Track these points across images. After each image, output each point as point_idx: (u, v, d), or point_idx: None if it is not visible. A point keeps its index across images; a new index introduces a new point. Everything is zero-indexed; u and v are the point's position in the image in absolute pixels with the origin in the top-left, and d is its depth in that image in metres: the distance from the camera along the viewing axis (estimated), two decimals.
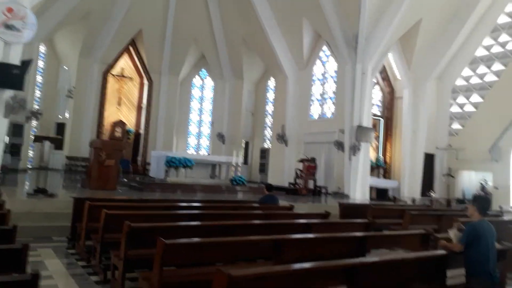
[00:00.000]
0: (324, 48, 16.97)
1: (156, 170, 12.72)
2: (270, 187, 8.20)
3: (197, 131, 22.22)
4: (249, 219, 5.82)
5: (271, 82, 20.46)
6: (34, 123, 17.01)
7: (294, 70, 17.77)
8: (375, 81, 16.12)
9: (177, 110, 20.81)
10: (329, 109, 16.91)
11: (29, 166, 16.48)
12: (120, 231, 4.13)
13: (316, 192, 14.35)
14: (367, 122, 14.37)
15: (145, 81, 20.35)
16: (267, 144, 20.24)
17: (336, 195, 14.56)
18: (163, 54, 19.66)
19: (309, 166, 14.56)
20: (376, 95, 16.79)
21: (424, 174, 16.00)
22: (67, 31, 17.52)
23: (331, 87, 16.92)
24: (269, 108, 20.63)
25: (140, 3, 17.43)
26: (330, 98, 16.92)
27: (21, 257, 2.70)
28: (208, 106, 22.23)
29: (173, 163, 12.05)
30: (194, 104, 22.28)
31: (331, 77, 16.96)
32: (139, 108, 20.51)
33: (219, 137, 20.12)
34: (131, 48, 19.79)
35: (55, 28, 16.55)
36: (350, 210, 9.21)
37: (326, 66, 17.29)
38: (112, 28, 18.06)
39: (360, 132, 14.03)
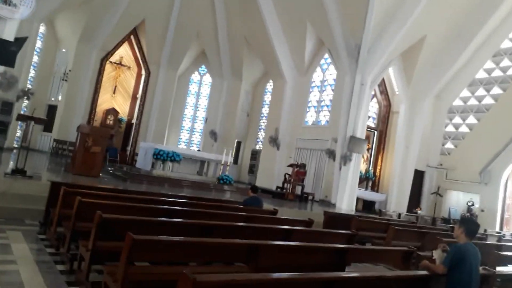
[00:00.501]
0: (326, 56, 16.86)
1: (143, 162, 12.52)
2: (255, 189, 8.02)
3: (190, 126, 22.01)
4: (230, 220, 5.67)
5: (270, 85, 20.33)
6: (25, 102, 16.71)
7: (294, 75, 17.65)
8: (373, 94, 16.04)
9: (172, 103, 20.60)
10: (324, 117, 16.79)
11: (16, 146, 16.16)
12: (93, 221, 3.94)
13: (303, 199, 14.23)
14: (361, 133, 14.28)
15: (143, 72, 20.11)
16: (259, 146, 20.11)
17: (322, 203, 14.45)
18: (164, 46, 19.45)
19: (299, 172, 14.44)
20: (373, 107, 16.71)
21: (412, 190, 15.95)
22: (68, 14, 17.25)
23: (328, 95, 16.81)
24: (265, 110, 20.50)
25: None
26: (327, 106, 16.81)
27: None
28: (204, 102, 22.03)
29: (160, 156, 11.85)
30: (190, 100, 22.07)
31: (330, 85, 16.86)
32: (134, 98, 20.26)
33: (211, 134, 19.95)
34: (132, 37, 19.55)
35: (57, 9, 16.26)
36: (334, 219, 9.09)
37: (325, 74, 17.18)
38: (115, 15, 17.82)
39: (353, 142, 13.94)
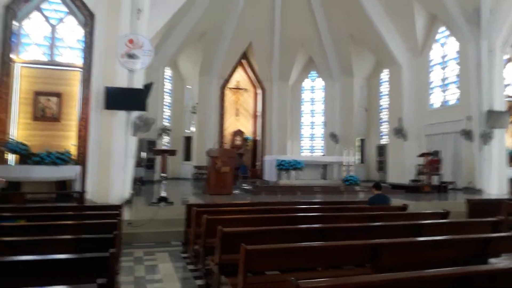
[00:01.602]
0: (441, 29, 15.37)
1: (269, 174, 13.14)
2: (378, 186, 7.72)
3: (310, 133, 22.23)
4: (353, 222, 5.58)
5: (384, 75, 19.34)
6: (166, 138, 19.13)
7: (408, 58, 16.51)
8: (507, 57, 13.94)
9: (288, 114, 21.20)
10: (453, 95, 15.21)
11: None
12: None
13: (442, 189, 13.02)
14: (499, 105, 12.58)
15: (258, 90, 21.21)
16: (384, 140, 19.15)
17: (466, 190, 13.00)
18: (273, 63, 20.29)
19: (432, 161, 13.33)
20: (510, 73, 14.49)
21: None
22: (187, 53, 19.36)
23: (453, 70, 15.22)
24: (384, 101, 19.51)
25: (248, 18, 18.28)
26: (453, 82, 15.21)
27: (108, 264, 2.98)
28: (319, 107, 22.06)
29: (283, 166, 12.28)
30: (306, 107, 22.37)
31: (452, 59, 15.25)
32: (254, 116, 21.48)
33: (332, 137, 19.79)
34: (243, 61, 20.89)
35: (177, 51, 18.51)
36: (479, 207, 8.16)
37: (445, 48, 15.62)
38: (225, 44, 19.30)
39: (492, 117, 12.34)
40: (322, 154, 20.66)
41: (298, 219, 5.54)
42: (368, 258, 3.91)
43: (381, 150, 18.73)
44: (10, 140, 9.52)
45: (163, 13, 11.69)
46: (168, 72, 19.77)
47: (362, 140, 19.98)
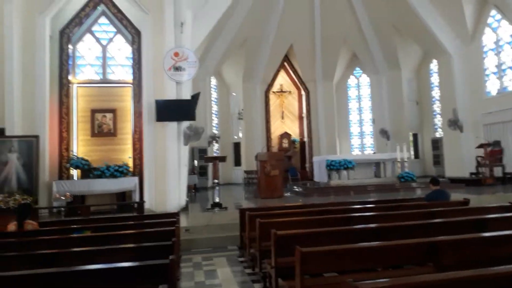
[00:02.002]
0: (493, 12, 14.48)
1: (319, 175, 13.00)
2: (435, 181, 7.39)
3: (359, 131, 21.74)
4: (410, 219, 5.39)
5: (434, 65, 18.51)
6: (216, 145, 19.55)
7: (459, 46, 15.69)
8: None
9: (335, 113, 20.89)
10: (511, 81, 14.24)
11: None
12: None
13: (506, 180, 12.21)
14: None
15: (303, 92, 21.12)
16: (438, 133, 18.28)
17: None
18: (315, 63, 20.09)
19: (492, 151, 12.57)
20: None
21: None
22: (230, 62, 19.69)
23: (509, 55, 14.26)
24: (435, 93, 18.65)
25: (288, 20, 18.27)
26: (510, 68, 14.24)
27: (169, 271, 3.10)
28: (367, 103, 21.53)
29: (333, 166, 12.10)
30: (353, 105, 21.92)
31: (507, 43, 14.30)
32: (300, 118, 21.39)
33: (382, 134, 19.20)
34: (285, 64, 20.90)
35: (220, 60, 18.89)
36: None
37: (498, 32, 14.69)
38: (266, 49, 19.42)
39: None
40: (373, 151, 20.10)
41: (353, 219, 5.44)
42: (429, 256, 3.79)
43: (436, 143, 17.88)
44: (73, 156, 10.19)
45: (205, 24, 12.00)
46: (213, 81, 20.21)
47: (415, 135, 19.21)
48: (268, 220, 5.20)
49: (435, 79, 18.62)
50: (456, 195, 9.48)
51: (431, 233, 4.33)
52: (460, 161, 15.32)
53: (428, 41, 16.42)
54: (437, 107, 18.61)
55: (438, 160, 17.52)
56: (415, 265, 4.34)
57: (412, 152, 18.22)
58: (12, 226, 5.12)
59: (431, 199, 7.05)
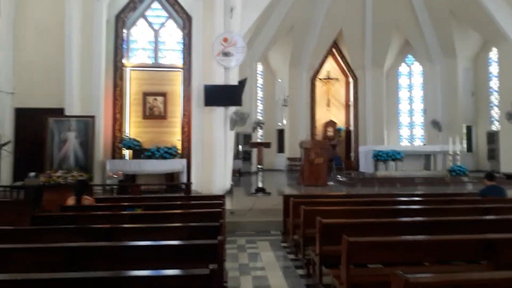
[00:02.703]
0: None
1: (364, 165, 12.74)
2: (491, 176, 7.03)
3: (409, 121, 20.94)
4: (463, 215, 5.19)
5: (493, 54, 17.37)
6: (260, 131, 19.66)
7: None
8: None
9: (384, 102, 20.23)
10: None
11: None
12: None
13: None
14: None
15: (350, 79, 20.62)
16: (495, 126, 17.23)
17: None
18: (365, 49, 19.49)
19: None
20: None
21: None
22: (277, 48, 19.56)
23: None
24: (494, 84, 17.53)
25: (337, 4, 17.80)
26: None
27: (217, 251, 3.20)
28: (418, 93, 20.64)
29: (380, 157, 11.81)
30: (403, 94, 21.11)
31: None
32: (347, 106, 20.95)
33: (434, 125, 18.38)
34: (333, 50, 20.45)
35: (267, 46, 18.81)
36: None
37: None
38: (314, 34, 19.06)
39: None
40: (422, 143, 19.34)
41: (400, 212, 5.32)
42: (484, 254, 3.65)
43: (492, 137, 16.87)
44: (125, 137, 10.66)
45: (254, 9, 11.94)
46: (259, 67, 20.20)
47: (469, 127, 18.23)
48: (313, 207, 5.20)
49: (494, 68, 17.48)
50: None
51: (486, 230, 4.16)
52: None
53: (488, 28, 15.38)
54: (495, 98, 17.51)
55: (493, 154, 16.55)
56: (466, 262, 4.19)
57: (464, 145, 17.35)
58: (70, 201, 5.48)
59: (486, 195, 6.75)
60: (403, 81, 21.11)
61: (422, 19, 17.70)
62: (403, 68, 21.09)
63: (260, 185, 9.38)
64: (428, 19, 17.61)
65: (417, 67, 20.61)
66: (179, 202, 6.11)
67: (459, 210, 5.43)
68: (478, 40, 17.66)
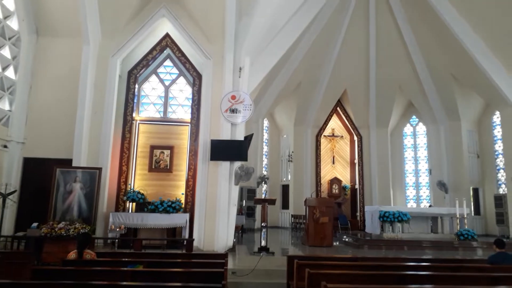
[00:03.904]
0: None
1: (371, 226, 12.50)
2: (501, 243, 6.86)
3: (414, 182, 20.82)
4: (470, 283, 5.02)
5: (497, 117, 17.63)
6: (264, 186, 19.60)
7: None
8: None
9: (389, 162, 20.25)
10: None
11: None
12: None
13: None
14: None
15: (355, 137, 20.85)
16: (502, 190, 17.05)
17: None
18: (369, 109, 19.89)
19: None
20: None
21: None
22: (282, 105, 20.06)
23: None
24: (498, 146, 17.61)
25: (342, 65, 18.43)
26: None
27: None
28: (423, 153, 20.72)
29: (386, 218, 11.61)
30: (408, 153, 21.19)
31: None
32: (352, 164, 20.98)
33: (439, 186, 18.24)
34: (338, 108, 20.89)
35: (274, 103, 19.32)
36: None
37: None
38: (320, 93, 19.57)
39: None
40: (429, 204, 19.09)
41: (407, 277, 5.17)
42: None
43: (500, 200, 16.64)
44: (130, 190, 10.67)
45: (261, 69, 12.42)
46: (265, 123, 20.58)
47: (475, 189, 18.04)
48: (318, 270, 5.06)
49: (498, 131, 17.67)
50: None
51: None
52: None
53: (490, 92, 15.77)
54: (500, 161, 17.51)
55: (501, 218, 16.23)
56: None
57: (472, 208, 17.08)
58: (72, 255, 5.39)
59: (495, 262, 6.54)
60: (408, 141, 21.29)
61: (425, 82, 18.20)
62: (407, 129, 21.35)
63: (263, 243, 9.18)
64: (431, 82, 18.11)
65: (421, 128, 20.88)
66: (180, 260, 5.99)
67: (468, 278, 5.26)
68: (481, 103, 18.01)
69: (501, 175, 17.31)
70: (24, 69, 11.17)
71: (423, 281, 4.97)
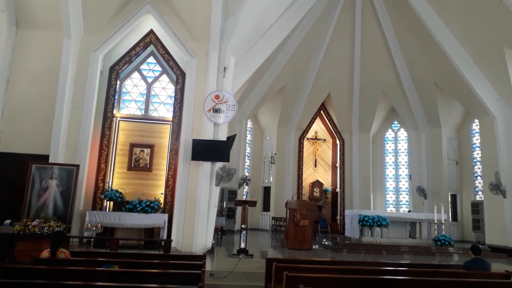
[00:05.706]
0: None
1: (350, 230, 12.56)
2: (476, 250, 6.95)
3: (394, 187, 21.08)
4: None
5: (475, 125, 18.01)
6: (246, 188, 19.51)
7: (503, 107, 15.23)
8: None
9: (370, 166, 20.46)
10: None
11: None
12: None
13: None
14: None
15: (337, 141, 20.99)
16: (479, 197, 17.41)
17: None
18: (352, 113, 20.07)
19: None
20: None
21: None
22: (267, 106, 20.04)
23: None
24: (477, 154, 17.99)
25: (327, 69, 18.57)
26: None
27: None
28: (404, 159, 21.01)
29: (366, 222, 11.69)
30: (389, 158, 21.45)
31: None
32: (333, 167, 21.10)
33: (419, 192, 18.52)
34: (322, 112, 20.99)
35: (258, 105, 19.27)
36: None
37: None
38: (304, 96, 19.65)
39: None
40: (408, 209, 19.34)
41: (386, 282, 5.17)
42: None
43: (477, 207, 16.97)
44: (107, 188, 10.43)
45: (246, 70, 12.36)
46: (248, 124, 20.51)
47: (454, 196, 18.39)
48: (296, 274, 5.01)
49: (477, 139, 18.05)
50: (497, 265, 8.88)
51: None
52: (503, 228, 14.40)
53: (470, 100, 16.08)
54: (478, 168, 17.89)
55: (478, 224, 16.56)
56: None
57: (449, 214, 17.37)
58: (45, 253, 5.20)
59: (470, 268, 6.64)
60: (389, 146, 21.55)
61: (408, 88, 18.47)
62: (389, 134, 21.62)
63: (242, 245, 9.10)
64: (414, 88, 18.39)
65: (403, 133, 21.17)
66: (157, 261, 5.86)
67: (444, 283, 5.30)
68: (461, 111, 18.38)
69: (479, 182, 17.67)
70: (1, 61, 10.79)
71: (401, 285, 4.98)
